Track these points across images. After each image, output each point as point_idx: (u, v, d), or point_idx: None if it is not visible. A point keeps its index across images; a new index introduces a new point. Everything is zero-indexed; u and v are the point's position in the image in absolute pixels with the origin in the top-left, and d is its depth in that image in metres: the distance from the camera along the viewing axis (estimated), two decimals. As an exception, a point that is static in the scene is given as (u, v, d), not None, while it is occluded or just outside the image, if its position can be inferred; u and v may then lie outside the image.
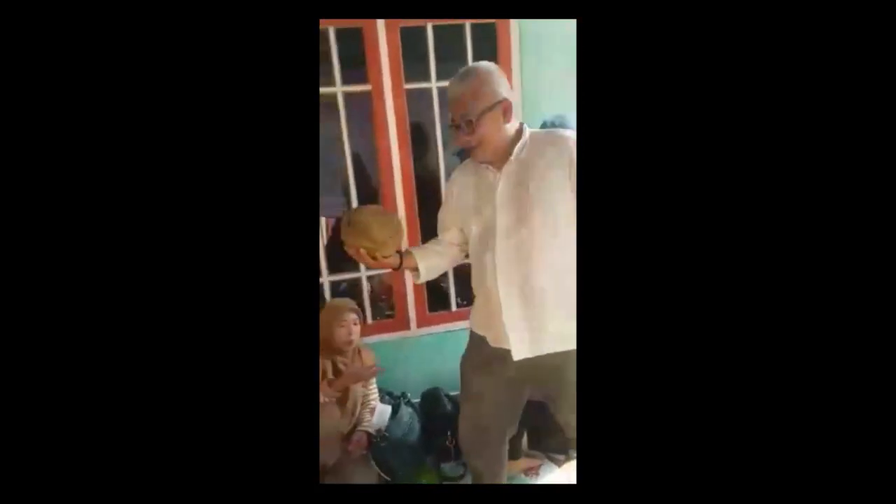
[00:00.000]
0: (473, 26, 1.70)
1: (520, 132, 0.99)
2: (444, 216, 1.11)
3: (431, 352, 1.87)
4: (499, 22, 1.71)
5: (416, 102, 1.75)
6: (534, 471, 1.55)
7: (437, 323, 1.88)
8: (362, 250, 0.97)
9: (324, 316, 1.59)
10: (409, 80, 1.70)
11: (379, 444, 1.53)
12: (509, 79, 1.73)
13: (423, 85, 1.72)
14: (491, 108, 0.92)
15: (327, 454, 1.46)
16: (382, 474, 1.51)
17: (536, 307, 0.98)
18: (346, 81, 1.67)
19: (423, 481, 1.56)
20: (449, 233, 1.10)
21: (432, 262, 1.09)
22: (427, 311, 1.89)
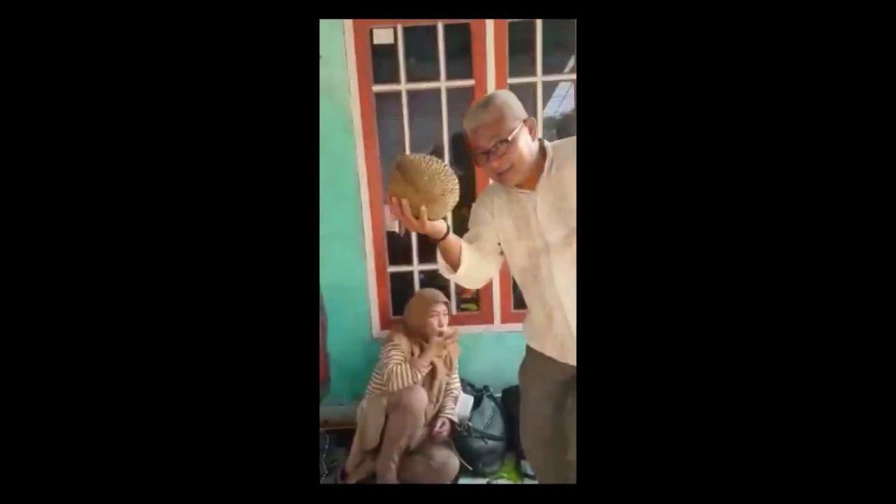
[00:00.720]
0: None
1: (543, 149, 0.96)
2: (481, 231, 1.03)
3: (513, 349, 1.86)
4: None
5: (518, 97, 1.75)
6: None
7: (521, 321, 1.87)
8: (405, 202, 0.83)
9: (415, 305, 1.66)
10: (512, 74, 1.70)
11: (462, 433, 1.56)
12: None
13: (528, 79, 1.72)
14: (521, 128, 0.91)
15: (414, 436, 1.52)
16: (464, 462, 1.54)
17: None
18: (450, 75, 1.71)
19: (504, 476, 1.57)
20: (489, 244, 1.03)
21: (477, 261, 0.98)
22: (512, 309, 1.89)
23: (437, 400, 1.63)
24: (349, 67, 1.68)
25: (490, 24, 1.65)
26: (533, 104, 1.74)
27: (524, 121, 0.92)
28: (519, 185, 0.96)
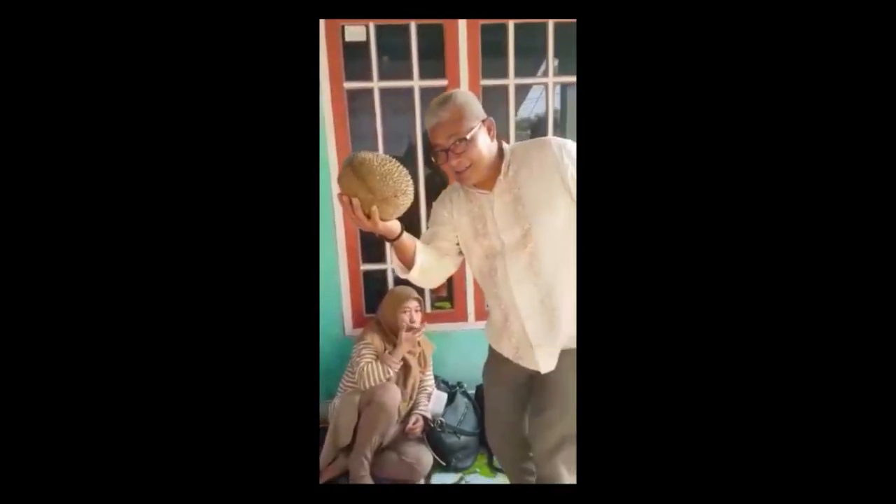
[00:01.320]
0: (556, 24, 1.71)
1: (501, 150, 0.97)
2: (439, 230, 1.04)
3: (487, 347, 1.89)
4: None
5: (491, 99, 1.78)
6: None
7: (494, 318, 1.90)
8: (355, 201, 0.83)
9: (387, 302, 1.66)
10: (485, 76, 1.73)
11: (435, 429, 1.57)
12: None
13: (501, 81, 1.75)
14: (479, 127, 0.92)
15: (387, 433, 1.52)
16: (437, 457, 1.55)
17: (559, 317, 0.97)
18: (424, 75, 1.73)
19: (477, 471, 1.59)
20: (447, 243, 1.04)
21: (432, 261, 0.98)
22: (486, 307, 1.91)
23: (411, 397, 1.64)
24: (320, 64, 1.67)
25: (462, 25, 1.67)
26: (506, 106, 1.77)
27: (483, 121, 0.93)
28: (477, 186, 0.97)
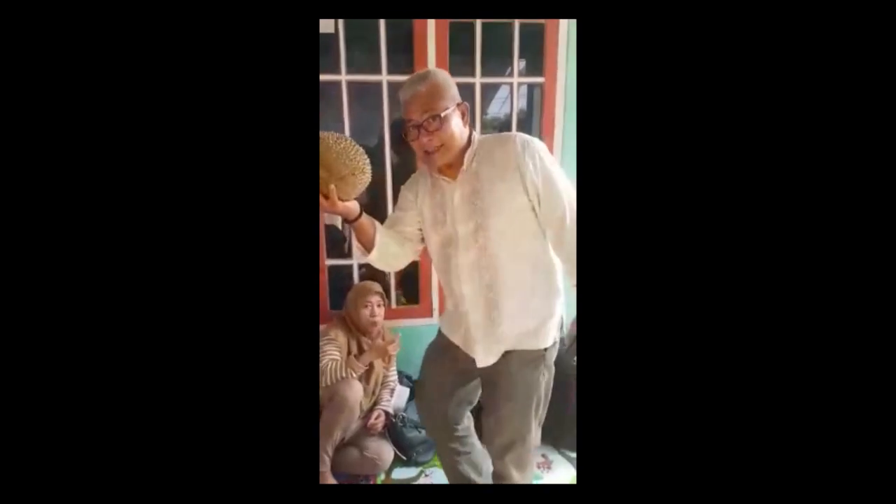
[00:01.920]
0: (522, 24, 1.74)
1: (470, 139, 0.97)
2: (403, 215, 1.05)
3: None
4: (548, 22, 1.74)
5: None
6: (545, 465, 1.58)
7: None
8: None
9: (350, 296, 1.65)
10: (453, 74, 1.74)
11: (396, 424, 1.58)
12: (554, 80, 1.79)
13: (468, 80, 1.76)
14: (454, 109, 0.91)
15: (349, 428, 1.52)
16: (398, 452, 1.56)
17: (500, 314, 0.98)
18: (391, 70, 1.73)
19: (436, 464, 1.61)
20: (411, 228, 1.05)
21: (392, 245, 1.00)
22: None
23: (374, 392, 1.64)
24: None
25: (431, 22, 1.67)
26: (472, 104, 1.79)
27: (458, 104, 0.93)
28: (443, 172, 0.98)
